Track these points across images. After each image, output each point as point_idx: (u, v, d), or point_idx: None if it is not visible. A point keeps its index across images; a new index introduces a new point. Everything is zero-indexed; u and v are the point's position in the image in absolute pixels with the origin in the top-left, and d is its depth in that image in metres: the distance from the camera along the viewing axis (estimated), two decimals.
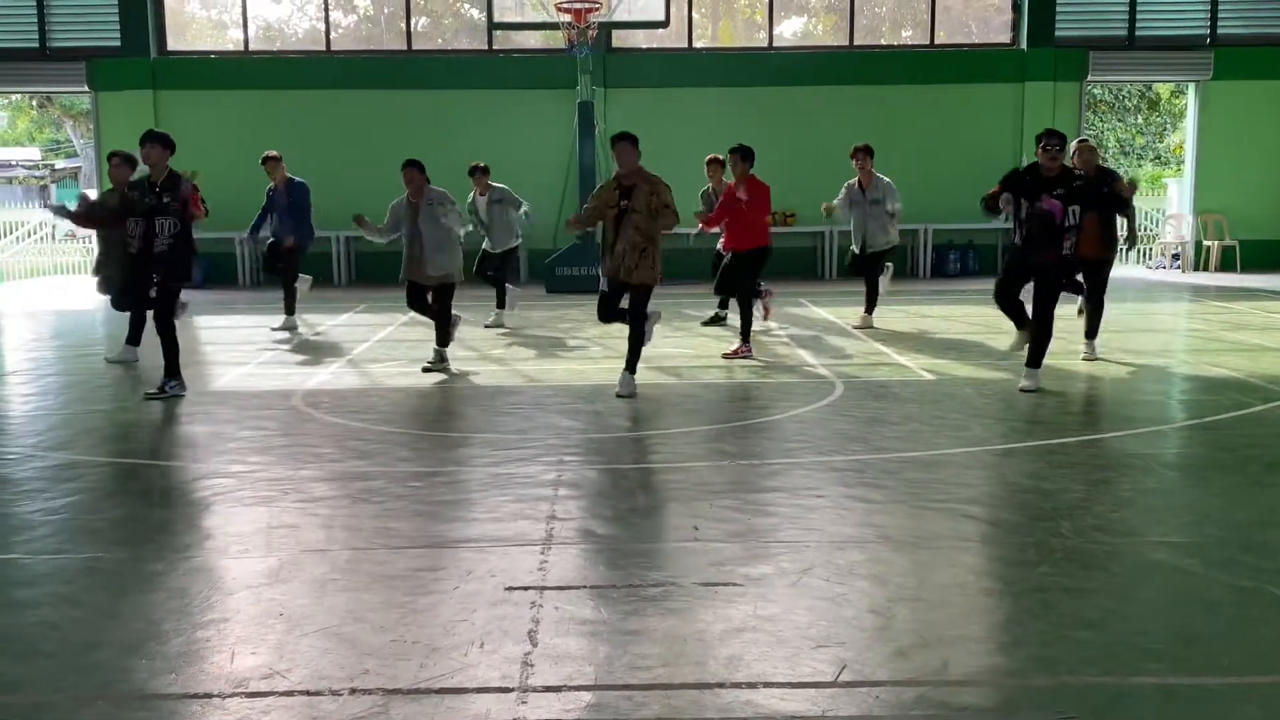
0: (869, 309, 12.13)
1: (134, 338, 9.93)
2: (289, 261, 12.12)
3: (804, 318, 13.09)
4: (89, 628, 4.02)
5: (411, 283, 9.48)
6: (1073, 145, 9.19)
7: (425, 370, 9.34)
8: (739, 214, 10.04)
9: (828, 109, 18.31)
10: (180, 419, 7.79)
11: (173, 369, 8.42)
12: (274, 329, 12.15)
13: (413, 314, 9.88)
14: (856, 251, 12.03)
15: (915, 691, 3.45)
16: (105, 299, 10.16)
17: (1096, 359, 9.65)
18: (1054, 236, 8.04)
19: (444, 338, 9.47)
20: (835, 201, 11.81)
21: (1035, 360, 8.38)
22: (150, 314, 8.40)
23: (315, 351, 10.88)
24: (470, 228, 11.19)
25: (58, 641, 3.90)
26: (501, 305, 12.54)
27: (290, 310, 12.29)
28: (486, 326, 12.33)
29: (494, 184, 12.29)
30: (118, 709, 3.39)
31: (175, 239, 8.24)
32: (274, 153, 12.22)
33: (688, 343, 10.80)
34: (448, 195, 9.49)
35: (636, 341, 8.38)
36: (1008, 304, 8.52)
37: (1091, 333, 9.77)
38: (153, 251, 8.24)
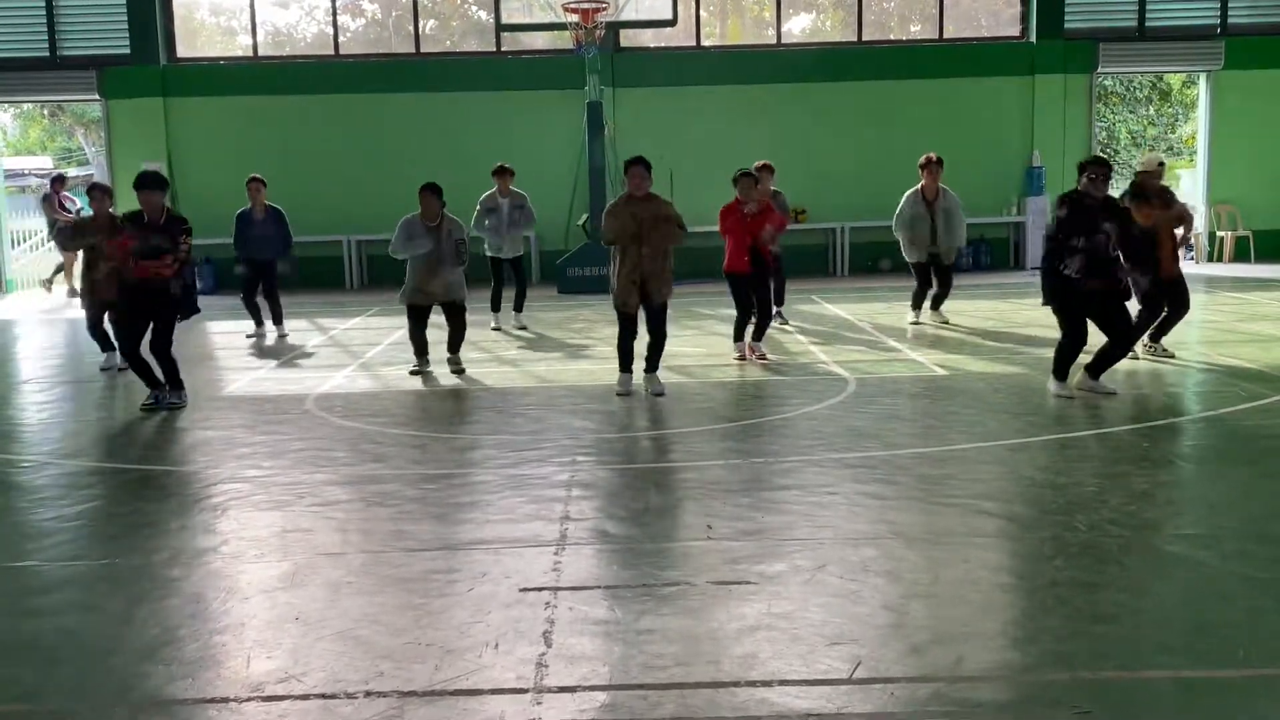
0: (938, 306, 12.00)
1: (106, 345, 10.07)
2: (274, 278, 12.15)
3: (816, 314, 13.07)
4: (106, 634, 4.04)
5: (414, 307, 9.46)
6: (1139, 163, 9.04)
7: (454, 373, 9.43)
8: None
9: (837, 105, 18.27)
10: (194, 424, 7.81)
11: (175, 382, 8.33)
12: (281, 335, 12.16)
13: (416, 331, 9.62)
14: (924, 260, 11.74)
15: (930, 688, 3.45)
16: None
17: (1172, 356, 9.38)
18: (1106, 265, 7.64)
19: (457, 345, 9.59)
20: (903, 225, 11.72)
21: (1098, 370, 8.00)
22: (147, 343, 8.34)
23: (328, 355, 10.91)
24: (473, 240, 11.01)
25: (75, 648, 3.92)
26: (519, 308, 12.52)
27: (278, 318, 12.27)
28: (516, 328, 12.33)
29: (515, 189, 12.28)
30: (135, 714, 3.42)
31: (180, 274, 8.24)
32: (260, 177, 12.23)
33: (700, 341, 10.79)
34: (461, 225, 9.54)
35: (660, 347, 8.42)
36: (1067, 364, 8.01)
37: (1160, 335, 9.45)
38: (159, 287, 8.14)
